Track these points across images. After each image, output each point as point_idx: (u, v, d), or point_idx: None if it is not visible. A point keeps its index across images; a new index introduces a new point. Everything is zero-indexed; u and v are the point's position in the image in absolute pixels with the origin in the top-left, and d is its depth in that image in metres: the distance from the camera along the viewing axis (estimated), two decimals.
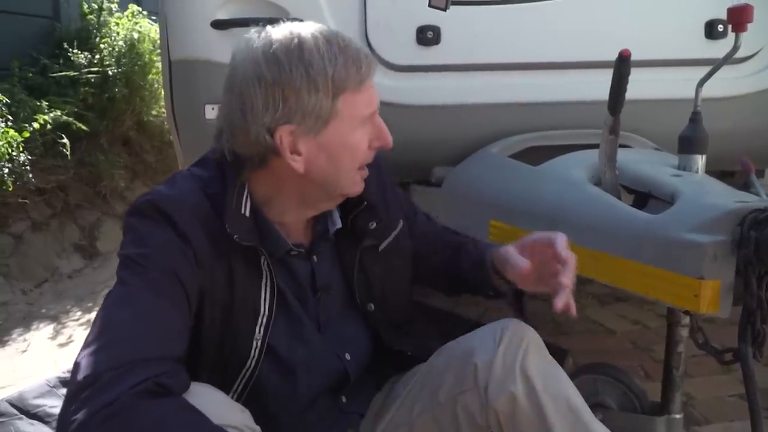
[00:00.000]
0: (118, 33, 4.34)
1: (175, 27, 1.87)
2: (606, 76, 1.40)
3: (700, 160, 1.43)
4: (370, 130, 1.07)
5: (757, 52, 1.91)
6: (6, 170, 2.98)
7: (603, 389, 1.54)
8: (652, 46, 1.88)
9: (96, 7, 4.44)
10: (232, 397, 1.07)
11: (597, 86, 1.52)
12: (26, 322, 2.84)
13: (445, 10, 1.68)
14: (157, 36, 3.91)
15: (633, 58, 1.35)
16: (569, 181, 1.51)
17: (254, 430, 0.98)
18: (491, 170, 1.81)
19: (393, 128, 1.87)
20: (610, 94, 1.39)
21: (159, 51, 3.53)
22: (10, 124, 3.14)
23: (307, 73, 0.97)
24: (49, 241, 3.47)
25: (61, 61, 3.99)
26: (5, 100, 3.23)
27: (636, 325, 2.49)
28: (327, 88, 0.98)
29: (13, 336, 2.69)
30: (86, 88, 3.90)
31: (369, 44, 1.84)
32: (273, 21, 1.83)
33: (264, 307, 1.07)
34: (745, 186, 1.45)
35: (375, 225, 1.18)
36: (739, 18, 1.32)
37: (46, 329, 2.76)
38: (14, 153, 3.03)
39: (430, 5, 1.67)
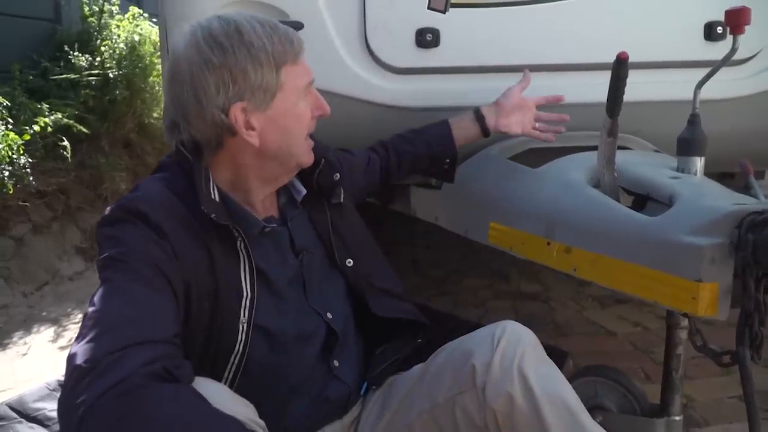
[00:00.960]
0: (118, 35, 4.35)
1: (175, 30, 1.87)
2: (605, 79, 1.41)
3: (699, 162, 1.42)
4: (310, 101, 1.16)
5: (755, 54, 1.91)
6: (6, 173, 2.99)
7: (602, 391, 1.54)
8: (651, 48, 1.88)
9: (97, 9, 4.45)
10: (224, 382, 1.09)
11: (597, 88, 1.52)
12: (27, 325, 2.84)
13: (444, 12, 1.69)
14: (158, 38, 3.91)
15: (632, 59, 1.35)
16: (568, 183, 1.52)
17: (259, 424, 0.99)
18: (491, 172, 1.81)
19: (392, 131, 1.89)
20: (608, 96, 1.39)
21: (159, 53, 3.53)
22: (10, 126, 3.15)
23: (249, 52, 1.07)
24: (50, 243, 3.48)
25: (62, 64, 4.00)
26: (6, 102, 3.24)
27: (636, 327, 2.49)
28: (270, 63, 1.08)
29: (14, 339, 2.69)
30: (87, 91, 3.90)
31: (368, 46, 1.84)
32: None
33: (246, 289, 1.10)
34: (745, 188, 1.45)
35: (339, 176, 1.28)
36: (736, 20, 1.32)
37: (46, 332, 2.76)
38: (15, 156, 3.03)
39: (429, 7, 1.68)
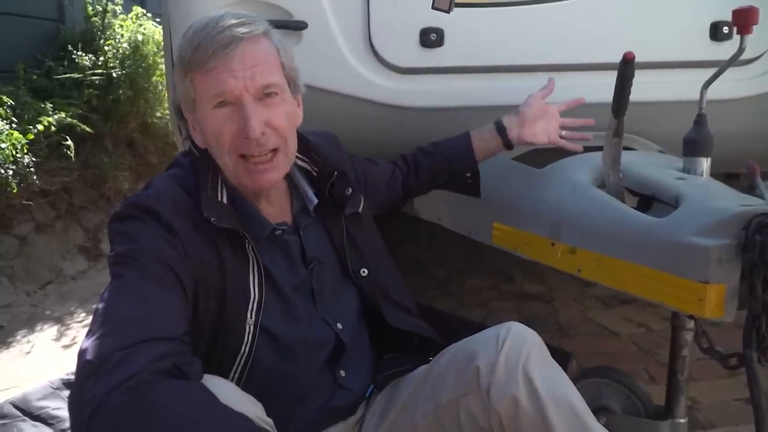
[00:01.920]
0: (122, 35, 4.36)
1: (178, 29, 1.86)
2: (611, 79, 1.40)
3: (705, 163, 1.42)
4: (236, 118, 1.06)
5: (762, 54, 1.90)
6: (10, 172, 2.99)
7: (607, 393, 1.53)
8: (656, 48, 1.87)
9: (100, 9, 4.45)
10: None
11: (602, 88, 1.51)
12: (30, 323, 2.85)
13: (448, 12, 1.68)
14: (161, 38, 3.92)
15: (638, 60, 1.34)
16: (573, 184, 1.51)
17: (267, 422, 0.99)
18: (495, 172, 1.80)
19: (396, 130, 1.88)
20: (613, 96, 1.39)
21: (163, 53, 3.54)
22: (14, 126, 3.15)
23: (177, 55, 1.08)
24: (54, 242, 3.48)
25: (66, 63, 4.01)
26: (10, 102, 3.24)
27: (641, 327, 2.48)
28: (182, 68, 1.07)
29: (17, 338, 2.69)
30: (90, 90, 3.91)
31: (372, 46, 1.84)
32: (276, 24, 1.83)
33: (254, 291, 1.10)
34: (750, 189, 1.44)
35: (350, 191, 1.25)
36: (744, 20, 1.31)
37: (50, 331, 2.77)
38: (18, 155, 3.04)
39: (433, 7, 1.67)
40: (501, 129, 1.58)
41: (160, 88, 4.45)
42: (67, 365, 2.25)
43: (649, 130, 1.89)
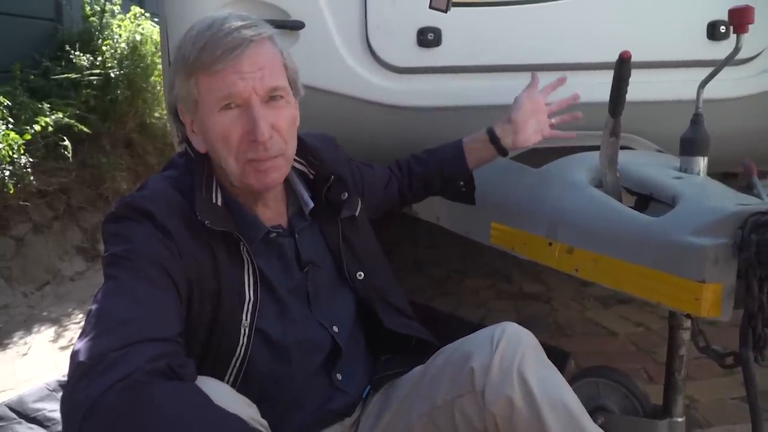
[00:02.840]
0: (120, 35, 4.35)
1: (175, 30, 1.86)
2: (608, 78, 1.40)
3: (702, 162, 1.42)
4: (245, 120, 1.05)
5: (759, 53, 1.90)
6: (7, 173, 2.98)
7: (604, 392, 1.53)
8: (653, 48, 1.87)
9: (98, 9, 4.45)
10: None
11: (599, 88, 1.51)
12: (27, 325, 2.84)
13: (446, 11, 1.68)
14: (159, 38, 3.91)
15: (635, 59, 1.34)
16: (570, 184, 1.51)
17: (262, 424, 0.99)
18: (492, 172, 1.80)
19: (394, 130, 1.88)
20: (610, 96, 1.39)
21: (161, 53, 3.54)
22: (11, 126, 3.14)
23: (178, 56, 1.07)
24: (51, 243, 3.47)
25: (63, 63, 4.00)
26: (7, 102, 3.24)
27: (638, 327, 2.48)
28: (185, 69, 1.05)
29: (14, 339, 2.68)
30: (88, 90, 3.90)
31: (370, 46, 1.83)
32: (273, 23, 1.83)
33: (249, 293, 1.09)
34: (748, 188, 1.44)
35: (346, 196, 1.23)
36: (740, 19, 1.31)
37: (47, 332, 2.76)
38: (15, 155, 3.03)
39: (430, 7, 1.67)
40: (494, 138, 1.56)
41: (158, 88, 4.44)
42: (63, 367, 2.24)
43: (646, 130, 1.89)
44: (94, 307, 0.95)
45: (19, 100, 3.40)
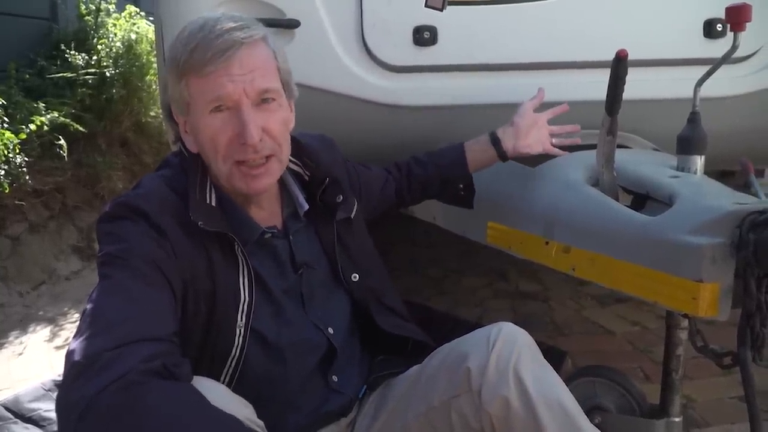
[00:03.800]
0: (115, 34, 4.34)
1: (170, 29, 1.85)
2: (605, 76, 1.39)
3: (699, 161, 1.41)
4: (235, 123, 1.04)
5: (756, 52, 1.90)
6: (2, 172, 2.97)
7: (601, 392, 1.52)
8: (650, 46, 1.87)
9: (93, 8, 4.43)
10: None
11: (596, 86, 1.50)
12: (23, 324, 2.83)
13: (441, 10, 1.67)
14: (155, 37, 3.90)
15: (631, 57, 1.34)
16: (567, 183, 1.50)
17: (258, 424, 0.98)
18: (489, 171, 1.79)
19: (390, 129, 1.87)
20: (607, 94, 1.38)
21: (156, 52, 3.53)
22: (6, 125, 3.13)
23: (170, 57, 1.06)
24: (47, 243, 3.46)
25: (59, 63, 3.98)
26: (2, 101, 3.22)
27: (635, 326, 2.48)
28: (176, 70, 1.05)
29: (10, 339, 2.67)
30: (84, 90, 3.89)
31: (366, 45, 1.83)
32: (268, 22, 1.82)
33: (244, 294, 1.09)
34: (745, 186, 1.44)
35: (341, 198, 1.23)
36: (737, 17, 1.31)
37: (42, 332, 2.75)
38: (11, 155, 3.02)
39: (426, 5, 1.66)
40: (496, 141, 1.57)
41: (153, 87, 4.43)
42: (59, 366, 2.22)
43: (643, 128, 1.88)
44: (88, 306, 0.94)
45: (15, 99, 3.38)
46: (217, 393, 0.92)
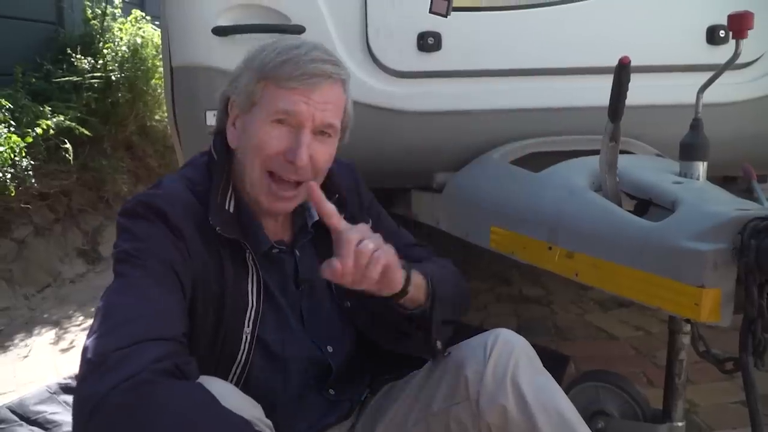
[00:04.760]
0: (121, 38, 4.36)
1: (176, 33, 1.87)
2: (608, 82, 1.40)
3: (701, 167, 1.42)
4: (290, 140, 1.07)
5: (758, 58, 1.91)
6: (9, 175, 2.99)
7: (604, 397, 1.53)
8: (653, 52, 1.88)
9: (99, 12, 4.45)
10: None
11: (599, 92, 1.51)
12: (28, 327, 2.84)
13: (446, 16, 1.69)
14: (160, 41, 3.92)
15: (634, 63, 1.34)
16: (570, 188, 1.51)
17: (267, 424, 0.99)
18: (492, 176, 1.80)
19: (394, 134, 1.88)
20: (610, 101, 1.39)
21: (161, 56, 3.55)
22: (13, 129, 3.15)
23: (257, 58, 1.10)
24: (52, 246, 3.48)
25: (65, 67, 4.01)
26: (8, 105, 3.24)
27: (639, 331, 2.48)
28: (258, 71, 1.09)
29: (15, 341, 2.69)
30: (89, 93, 3.92)
31: (370, 50, 1.84)
32: (274, 28, 1.83)
33: (252, 300, 1.10)
34: (747, 192, 1.44)
35: (344, 216, 1.15)
36: (739, 25, 1.31)
37: (47, 335, 2.76)
38: (17, 158, 3.04)
39: (431, 11, 1.68)
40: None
41: (159, 91, 4.45)
42: (64, 369, 2.25)
43: (646, 134, 1.89)
44: (102, 304, 0.96)
45: (21, 103, 3.40)
46: (227, 392, 0.94)
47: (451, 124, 1.90)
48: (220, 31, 1.78)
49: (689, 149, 1.42)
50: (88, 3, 4.50)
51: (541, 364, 1.11)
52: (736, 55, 1.34)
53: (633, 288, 1.26)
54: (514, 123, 1.91)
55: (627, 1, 1.92)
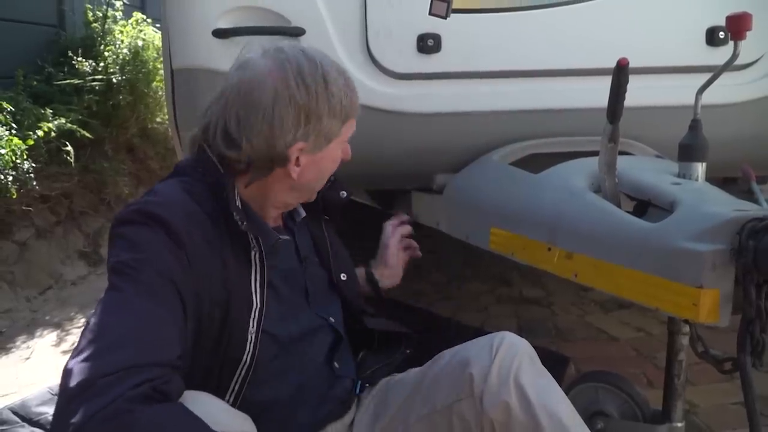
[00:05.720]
0: (122, 41, 4.37)
1: (176, 36, 1.87)
2: (606, 84, 1.40)
3: (700, 168, 1.42)
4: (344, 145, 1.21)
5: (757, 60, 1.91)
6: (10, 178, 2.99)
7: (604, 397, 1.53)
8: (652, 53, 1.88)
9: (100, 15, 4.46)
10: (231, 391, 1.10)
11: (598, 93, 1.51)
12: (30, 329, 2.85)
13: (445, 17, 1.69)
14: (161, 43, 3.93)
15: (633, 65, 1.35)
16: (569, 189, 1.51)
17: None
18: (492, 178, 1.81)
19: (394, 136, 1.89)
20: (608, 102, 1.39)
21: (162, 58, 3.55)
22: (14, 132, 3.16)
23: (329, 101, 1.11)
24: (54, 248, 3.48)
25: (66, 69, 4.02)
26: (10, 108, 3.25)
27: (639, 332, 2.48)
28: (342, 114, 1.14)
29: (17, 343, 2.69)
30: (91, 96, 3.92)
31: (370, 52, 1.85)
32: (274, 30, 1.83)
33: (256, 300, 1.10)
34: (749, 193, 1.44)
35: (345, 194, 1.34)
36: (737, 26, 1.32)
37: (49, 336, 2.77)
38: (18, 161, 3.04)
39: (430, 13, 1.68)
40: (372, 279, 1.52)
41: (160, 93, 4.46)
42: None
43: (645, 135, 1.89)
44: (92, 320, 0.93)
45: (22, 105, 3.41)
46: (214, 408, 0.93)
47: (451, 126, 1.91)
48: (220, 34, 1.78)
49: (688, 150, 1.43)
50: (89, 6, 4.51)
51: (543, 367, 1.14)
52: (734, 56, 1.34)
53: (632, 289, 1.27)
54: (514, 124, 1.92)
55: (626, 2, 1.92)
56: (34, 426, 1.81)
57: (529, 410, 1.05)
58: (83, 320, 2.94)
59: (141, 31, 4.52)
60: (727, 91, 1.80)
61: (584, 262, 1.37)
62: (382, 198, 2.63)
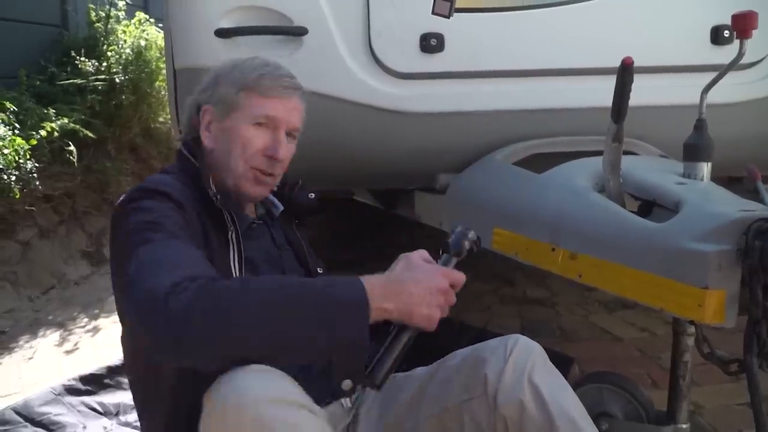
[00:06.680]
0: (125, 41, 4.38)
1: (179, 36, 1.87)
2: (612, 83, 1.40)
3: (705, 168, 1.41)
4: (269, 138, 1.26)
5: (763, 58, 1.90)
6: (13, 178, 2.99)
7: (609, 398, 1.52)
8: (657, 52, 1.87)
9: (103, 15, 4.47)
10: None
11: (602, 93, 1.51)
12: (33, 329, 2.85)
13: (448, 17, 1.68)
14: (164, 43, 3.93)
15: (638, 64, 1.34)
16: (573, 189, 1.51)
17: (315, 412, 0.98)
18: (495, 177, 1.80)
19: (397, 136, 1.89)
20: (613, 101, 1.38)
21: (165, 58, 3.55)
22: (17, 131, 3.16)
23: (232, 71, 1.28)
24: (56, 247, 3.49)
25: (69, 69, 4.02)
26: (13, 107, 3.25)
27: (643, 332, 2.47)
28: (239, 83, 1.25)
29: (20, 343, 2.69)
30: (93, 96, 3.93)
31: (372, 52, 1.84)
32: (277, 30, 1.83)
33: (235, 273, 1.17)
34: (754, 192, 1.43)
35: (314, 195, 1.41)
36: (743, 24, 1.31)
37: (52, 336, 2.77)
38: (21, 160, 3.05)
39: (433, 13, 1.67)
40: None
41: (162, 93, 4.46)
42: (69, 371, 2.25)
43: (650, 135, 1.88)
44: (132, 266, 0.97)
45: (26, 105, 3.41)
46: (278, 375, 0.94)
47: (454, 126, 1.90)
48: (222, 33, 1.78)
49: (693, 150, 1.42)
50: (92, 6, 4.51)
51: (555, 368, 1.17)
52: (740, 55, 1.33)
53: (637, 289, 1.26)
54: (517, 124, 1.91)
55: (630, 1, 1.91)
56: (37, 426, 1.82)
57: (543, 408, 1.08)
58: (86, 320, 2.94)
59: (144, 30, 4.53)
60: (731, 90, 1.79)
61: (588, 262, 1.36)
62: (384, 198, 2.62)
